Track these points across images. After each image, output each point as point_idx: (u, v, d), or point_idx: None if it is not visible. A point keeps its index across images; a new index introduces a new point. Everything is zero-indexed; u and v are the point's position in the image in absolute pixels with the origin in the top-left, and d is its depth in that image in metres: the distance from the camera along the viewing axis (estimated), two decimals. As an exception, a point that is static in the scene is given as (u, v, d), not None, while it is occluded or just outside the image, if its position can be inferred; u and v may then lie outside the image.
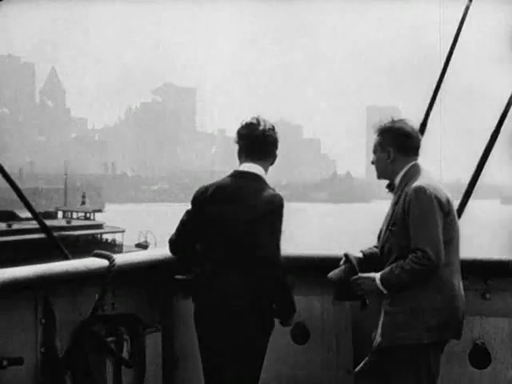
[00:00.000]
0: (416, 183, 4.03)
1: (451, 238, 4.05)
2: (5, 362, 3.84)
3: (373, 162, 4.27)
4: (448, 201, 4.05)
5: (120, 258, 4.51)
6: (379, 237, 4.21)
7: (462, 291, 4.09)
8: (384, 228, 4.16)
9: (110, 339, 4.44)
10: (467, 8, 5.14)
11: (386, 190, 4.26)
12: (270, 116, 4.50)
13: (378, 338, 4.05)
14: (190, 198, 4.38)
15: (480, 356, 4.41)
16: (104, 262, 4.42)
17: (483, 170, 5.11)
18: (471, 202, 5.13)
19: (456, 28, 5.14)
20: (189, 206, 4.38)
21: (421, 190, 3.99)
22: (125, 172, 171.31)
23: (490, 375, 4.41)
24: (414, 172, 4.13)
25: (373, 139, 4.26)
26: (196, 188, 4.41)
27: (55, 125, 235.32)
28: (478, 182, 5.09)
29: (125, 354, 4.50)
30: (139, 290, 4.88)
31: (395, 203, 4.11)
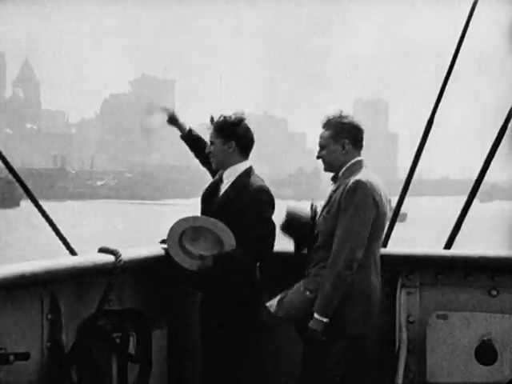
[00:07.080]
0: (357, 176, 4.14)
1: (379, 235, 4.20)
2: (11, 357, 3.80)
3: (319, 157, 4.31)
4: (382, 200, 4.16)
5: (126, 254, 4.47)
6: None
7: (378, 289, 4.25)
8: (320, 212, 4.29)
9: (115, 335, 4.41)
10: (475, 3, 5.07)
11: (331, 183, 4.33)
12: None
13: None
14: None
15: (486, 352, 4.43)
16: (110, 258, 4.38)
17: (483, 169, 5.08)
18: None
19: (463, 24, 5.07)
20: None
21: (359, 184, 4.10)
22: (64, 167, 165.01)
23: (496, 371, 4.43)
24: (359, 167, 4.23)
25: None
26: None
27: (24, 117, 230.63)
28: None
29: (131, 350, 4.46)
30: (145, 285, 4.85)
31: (334, 190, 4.22)
